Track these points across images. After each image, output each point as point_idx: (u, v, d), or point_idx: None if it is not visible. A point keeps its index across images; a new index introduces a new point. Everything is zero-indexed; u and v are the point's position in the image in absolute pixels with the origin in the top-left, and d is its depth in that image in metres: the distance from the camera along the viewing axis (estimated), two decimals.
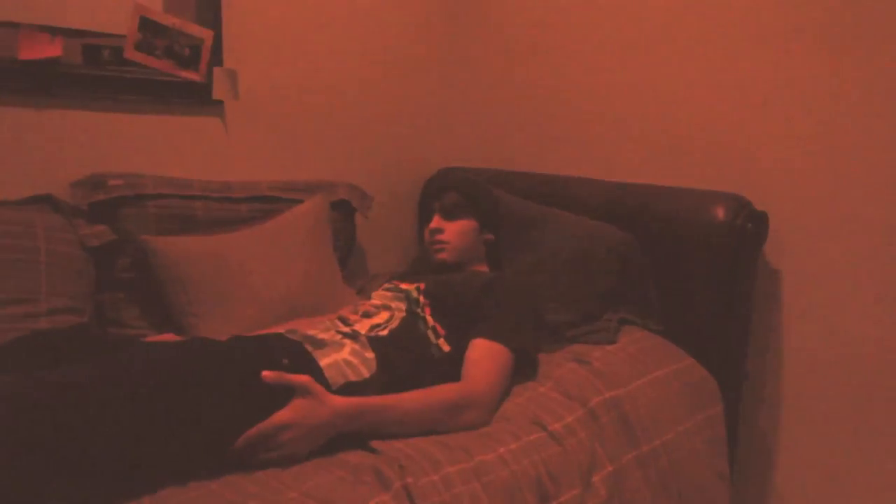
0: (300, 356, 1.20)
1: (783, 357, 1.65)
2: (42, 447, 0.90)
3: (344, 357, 1.23)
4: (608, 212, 1.73)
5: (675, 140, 1.79)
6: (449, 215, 1.59)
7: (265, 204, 1.82)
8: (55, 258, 1.43)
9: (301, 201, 1.85)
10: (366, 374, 1.23)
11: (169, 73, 1.72)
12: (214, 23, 1.78)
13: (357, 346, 1.26)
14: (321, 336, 1.27)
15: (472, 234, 1.59)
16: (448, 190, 1.62)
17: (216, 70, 1.80)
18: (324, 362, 1.21)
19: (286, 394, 1.10)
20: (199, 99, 1.80)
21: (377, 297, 1.46)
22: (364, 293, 1.88)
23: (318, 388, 1.10)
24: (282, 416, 1.06)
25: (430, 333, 1.35)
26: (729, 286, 1.57)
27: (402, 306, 1.39)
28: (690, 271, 1.60)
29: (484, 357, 1.29)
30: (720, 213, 1.55)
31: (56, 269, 1.42)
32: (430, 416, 1.18)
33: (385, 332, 1.31)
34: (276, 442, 1.06)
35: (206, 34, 1.76)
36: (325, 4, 2.02)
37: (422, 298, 1.40)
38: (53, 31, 1.56)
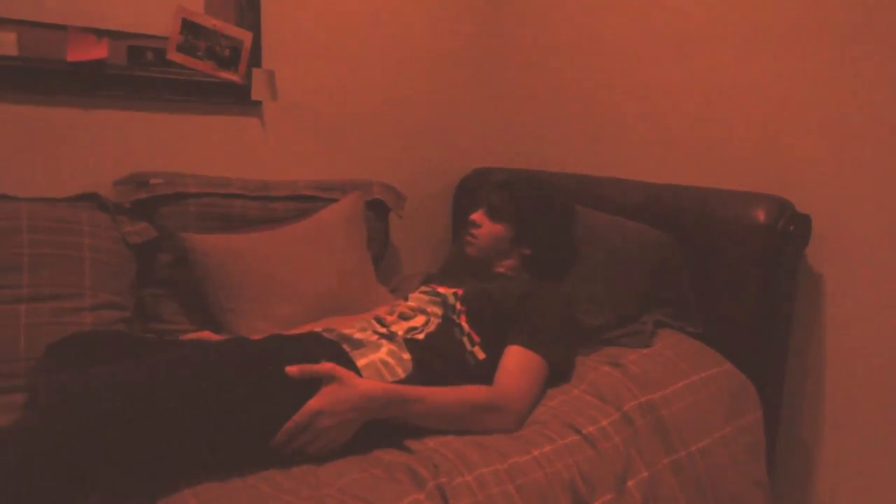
0: (338, 356, 1.21)
1: (824, 362, 1.61)
2: (90, 439, 0.93)
3: (381, 357, 1.24)
4: (645, 213, 1.71)
5: (714, 140, 1.76)
6: (491, 213, 1.56)
7: (302, 203, 1.84)
8: (99, 254, 1.47)
9: (336, 200, 1.87)
10: (401, 374, 1.23)
11: (209, 73, 1.76)
12: (254, 24, 1.81)
13: (394, 347, 1.27)
14: (358, 336, 1.28)
15: (505, 242, 1.55)
16: (503, 189, 1.57)
17: (255, 71, 1.83)
18: (361, 362, 1.22)
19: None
20: (238, 99, 1.83)
21: (413, 300, 1.46)
22: (398, 292, 1.88)
23: (343, 372, 1.11)
24: (313, 403, 1.07)
25: (466, 340, 1.34)
26: (769, 290, 1.53)
27: (439, 311, 1.39)
28: (729, 274, 1.57)
29: (518, 365, 1.28)
30: (761, 215, 1.52)
31: (100, 265, 1.46)
32: (458, 413, 1.18)
33: (422, 336, 1.31)
34: (313, 431, 1.07)
35: (245, 35, 1.79)
36: (361, 6, 2.04)
37: (458, 305, 1.40)
38: (100, 33, 1.60)
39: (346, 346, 1.24)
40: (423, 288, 1.51)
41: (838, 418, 1.59)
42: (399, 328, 1.33)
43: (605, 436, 1.22)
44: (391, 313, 1.40)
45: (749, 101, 1.68)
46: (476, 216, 1.56)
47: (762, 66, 1.65)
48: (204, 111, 1.79)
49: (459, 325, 1.36)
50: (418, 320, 1.36)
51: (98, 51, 1.59)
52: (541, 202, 1.57)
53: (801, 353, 1.63)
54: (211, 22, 1.74)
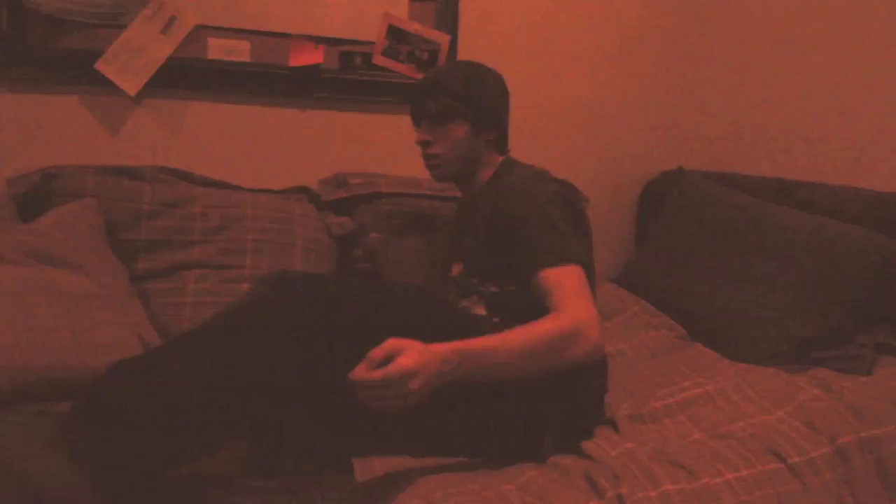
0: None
1: None
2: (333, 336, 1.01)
3: None
4: (865, 224, 1.51)
5: None
6: (436, 121, 1.36)
7: None
8: (308, 242, 1.61)
9: None
10: None
11: (409, 76, 1.85)
12: (451, 27, 1.88)
13: None
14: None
15: (467, 140, 1.36)
16: (432, 90, 1.36)
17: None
18: None
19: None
20: None
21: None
22: None
23: (411, 341, 0.98)
24: (406, 362, 0.94)
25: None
26: None
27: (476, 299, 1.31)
28: None
29: (563, 285, 1.13)
30: None
31: (308, 253, 1.60)
32: (539, 352, 1.06)
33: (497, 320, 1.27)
34: (401, 389, 0.95)
35: (443, 39, 1.86)
36: (553, 7, 2.04)
37: (473, 280, 1.32)
38: (317, 41, 1.76)
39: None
40: (453, 281, 1.42)
41: None
42: None
43: (815, 469, 1.10)
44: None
45: None
46: (422, 135, 1.38)
47: None
48: (402, 111, 1.88)
49: (492, 293, 1.29)
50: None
51: (315, 56, 1.75)
52: (471, 76, 1.38)
53: None
54: (413, 27, 1.84)
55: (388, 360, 0.93)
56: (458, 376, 1.00)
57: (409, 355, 0.94)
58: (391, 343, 0.95)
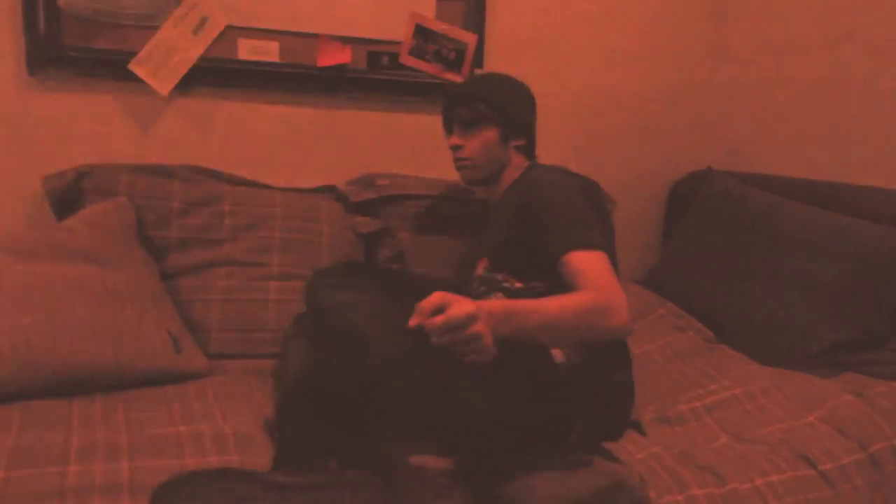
0: None
1: None
2: None
3: None
4: None
5: None
6: (468, 126, 1.47)
7: None
8: (335, 241, 1.63)
9: None
10: None
11: (435, 75, 1.86)
12: (478, 27, 1.87)
13: None
14: None
15: (497, 145, 1.47)
16: (466, 98, 1.48)
17: (476, 72, 1.89)
18: None
19: None
20: None
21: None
22: None
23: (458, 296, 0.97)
24: (467, 305, 0.92)
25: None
26: None
27: (500, 295, 1.34)
28: None
29: (590, 266, 1.16)
30: None
31: (334, 251, 1.61)
32: (577, 320, 1.07)
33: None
34: (467, 333, 0.93)
35: (470, 38, 1.86)
36: (581, 7, 2.02)
37: (498, 276, 1.35)
38: (345, 40, 1.78)
39: None
40: (478, 279, 1.45)
41: None
42: None
43: (846, 476, 1.08)
44: None
45: None
46: (455, 139, 1.48)
47: None
48: (429, 111, 1.89)
49: (516, 289, 1.32)
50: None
51: (343, 56, 1.76)
52: (500, 85, 1.51)
53: None
54: (440, 26, 1.84)
55: (438, 311, 0.92)
56: (504, 333, 0.99)
57: (461, 304, 0.92)
58: (438, 295, 0.93)
